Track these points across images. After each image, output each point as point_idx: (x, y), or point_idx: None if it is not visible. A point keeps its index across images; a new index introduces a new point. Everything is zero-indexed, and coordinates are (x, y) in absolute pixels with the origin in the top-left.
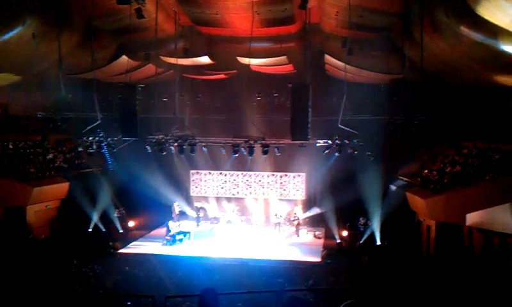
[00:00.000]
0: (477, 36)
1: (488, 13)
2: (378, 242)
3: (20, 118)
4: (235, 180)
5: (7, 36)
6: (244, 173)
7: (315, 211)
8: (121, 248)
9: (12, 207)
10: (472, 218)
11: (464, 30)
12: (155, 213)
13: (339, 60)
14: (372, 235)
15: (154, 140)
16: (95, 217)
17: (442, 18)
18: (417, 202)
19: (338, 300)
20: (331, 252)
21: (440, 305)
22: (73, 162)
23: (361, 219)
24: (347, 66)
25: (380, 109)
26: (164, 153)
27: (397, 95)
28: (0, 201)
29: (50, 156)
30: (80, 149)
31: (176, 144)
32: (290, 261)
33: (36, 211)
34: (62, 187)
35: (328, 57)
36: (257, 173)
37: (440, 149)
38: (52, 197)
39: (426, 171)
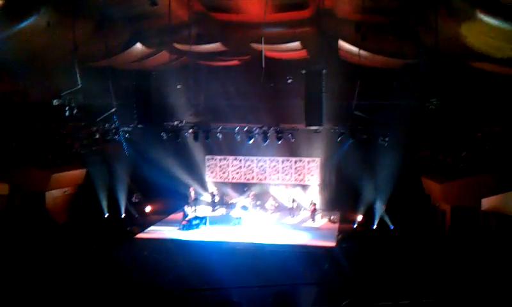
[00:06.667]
0: (493, 20)
1: None
2: (392, 227)
3: (37, 104)
4: (249, 165)
5: (22, 25)
6: (259, 158)
7: (330, 195)
8: (138, 233)
9: (31, 193)
10: (487, 203)
11: (480, 14)
12: (171, 198)
13: (353, 45)
14: (387, 219)
15: (169, 127)
16: (112, 203)
17: (457, 1)
18: (432, 187)
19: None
20: (347, 236)
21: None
22: (90, 149)
23: (376, 203)
24: (361, 51)
25: (394, 94)
26: (179, 140)
27: (411, 80)
28: (20, 187)
29: (67, 143)
30: (96, 136)
31: (191, 130)
32: (306, 245)
33: (55, 197)
34: (79, 173)
35: (341, 43)
36: (272, 158)
37: (455, 133)
38: (70, 183)
39: (441, 155)
